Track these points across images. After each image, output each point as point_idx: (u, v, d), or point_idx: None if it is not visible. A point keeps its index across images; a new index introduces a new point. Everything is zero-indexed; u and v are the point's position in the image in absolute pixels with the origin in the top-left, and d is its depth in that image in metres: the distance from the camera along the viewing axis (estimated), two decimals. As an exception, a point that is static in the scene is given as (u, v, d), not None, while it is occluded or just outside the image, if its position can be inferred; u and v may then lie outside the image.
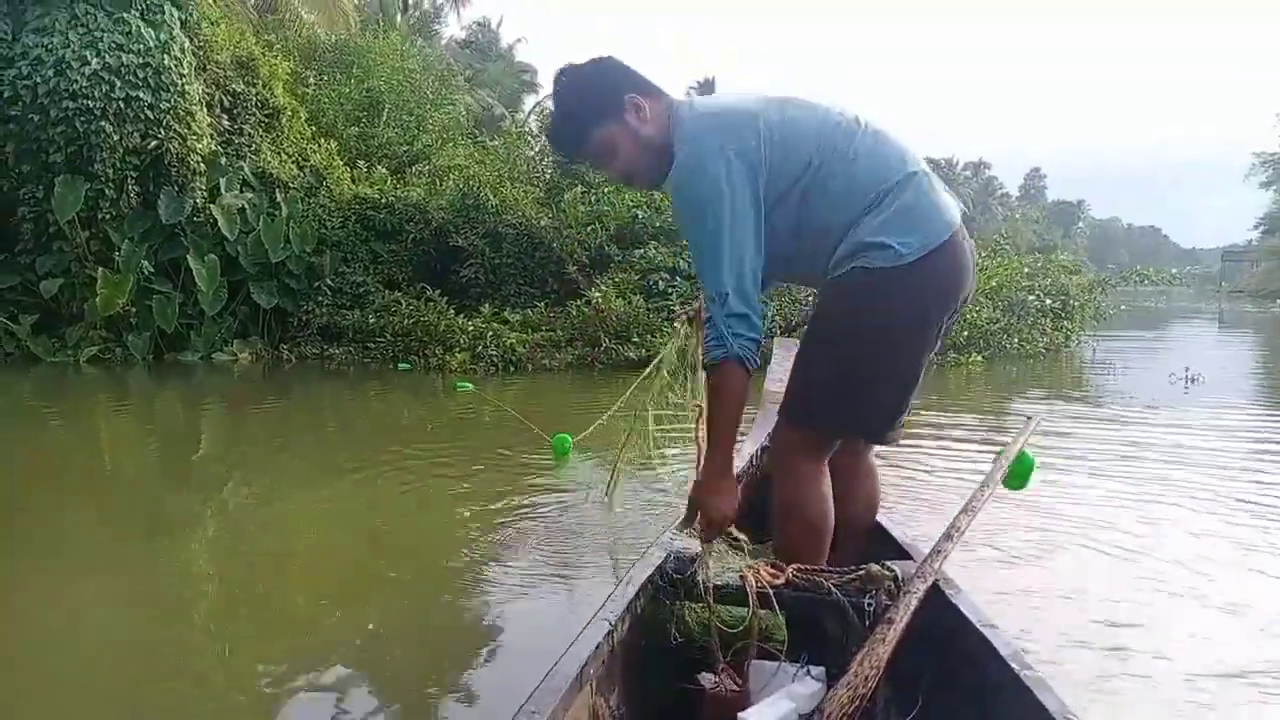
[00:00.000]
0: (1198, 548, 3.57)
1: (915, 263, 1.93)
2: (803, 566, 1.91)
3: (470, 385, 8.39)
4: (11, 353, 10.47)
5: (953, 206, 2.06)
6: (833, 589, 1.85)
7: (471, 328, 10.29)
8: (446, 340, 10.22)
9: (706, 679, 1.83)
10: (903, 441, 2.74)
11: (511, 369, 9.83)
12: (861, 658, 1.53)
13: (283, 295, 11.36)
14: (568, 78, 2.09)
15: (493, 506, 4.14)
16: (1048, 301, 11.71)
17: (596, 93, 2.06)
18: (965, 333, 10.40)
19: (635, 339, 9.80)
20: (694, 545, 2.01)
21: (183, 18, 11.11)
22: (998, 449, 2.22)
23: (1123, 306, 16.10)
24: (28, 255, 10.74)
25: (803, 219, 2.00)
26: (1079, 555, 3.49)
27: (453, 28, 37.17)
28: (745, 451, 2.89)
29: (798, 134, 2.00)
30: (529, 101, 35.41)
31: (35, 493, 4.89)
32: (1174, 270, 17.65)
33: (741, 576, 1.89)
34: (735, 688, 1.83)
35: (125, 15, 10.51)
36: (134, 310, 10.67)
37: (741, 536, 2.04)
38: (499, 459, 5.23)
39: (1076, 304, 12.24)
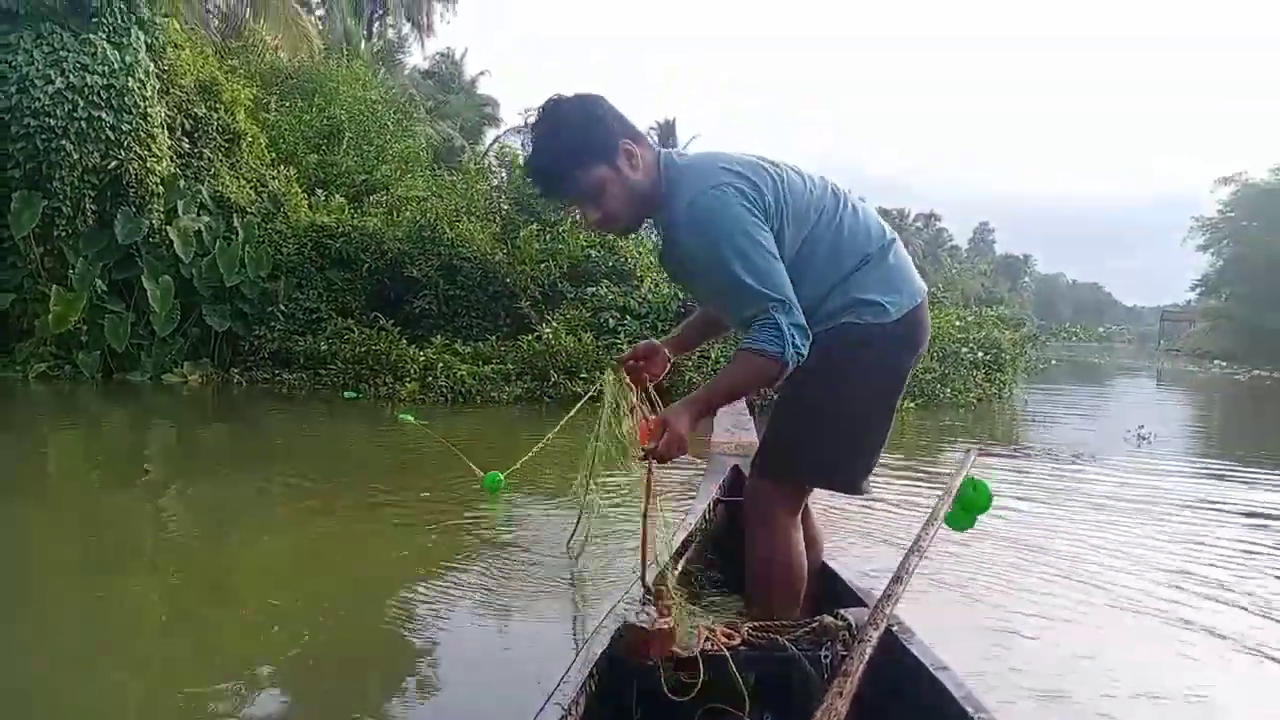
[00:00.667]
0: (1145, 584, 3.83)
1: (899, 320, 2.06)
2: (758, 625, 1.94)
3: (412, 417, 8.56)
4: (-40, 366, 10.45)
5: (891, 260, 2.16)
6: (788, 645, 1.86)
7: (423, 358, 10.49)
8: (397, 369, 10.41)
9: None
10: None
11: (461, 400, 10.03)
12: (821, 713, 1.52)
13: (235, 319, 11.46)
14: (559, 113, 2.03)
15: (429, 544, 4.19)
16: (980, 354, 12.24)
17: (589, 134, 2.01)
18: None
19: (584, 375, 10.06)
20: (650, 613, 1.94)
21: (148, 41, 11.25)
22: (939, 488, 2.31)
23: (1053, 361, 16.73)
24: (-20, 270, 10.75)
25: (794, 276, 2.03)
26: (1037, 589, 3.70)
27: (416, 57, 37.47)
28: (697, 509, 2.94)
29: (798, 194, 2.07)
30: (490, 134, 35.73)
31: None
32: (1104, 328, 18.39)
33: (706, 643, 1.89)
34: None
35: (91, 36, 10.63)
36: (85, 328, 10.71)
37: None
38: (445, 494, 5.27)
39: (1008, 357, 12.78)
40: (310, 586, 3.73)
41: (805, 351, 1.97)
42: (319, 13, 32.91)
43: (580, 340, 10.43)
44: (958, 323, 12.83)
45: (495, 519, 4.85)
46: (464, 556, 4.03)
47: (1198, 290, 64.12)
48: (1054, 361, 16.87)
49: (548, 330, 10.54)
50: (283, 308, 11.53)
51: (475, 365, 10.42)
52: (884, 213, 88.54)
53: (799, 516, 2.16)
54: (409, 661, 2.92)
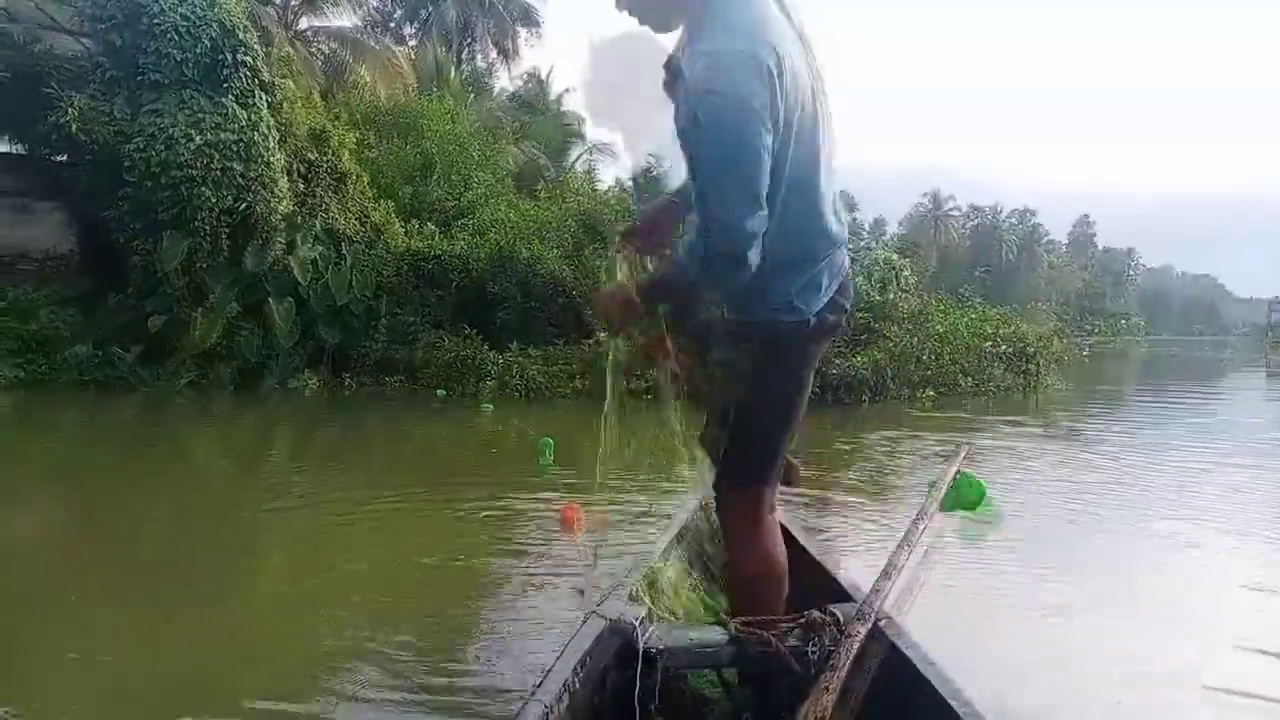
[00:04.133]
0: (1141, 579, 4.08)
1: (814, 323, 1.99)
2: (745, 620, 1.92)
3: (491, 406, 10.29)
4: (121, 378, 12.55)
5: (844, 259, 2.07)
6: (774, 640, 1.84)
7: (501, 361, 12.24)
8: (480, 371, 12.19)
9: None
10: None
11: (532, 395, 11.73)
12: (807, 708, 1.51)
13: (345, 333, 13.41)
14: None
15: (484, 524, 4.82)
16: (1003, 347, 13.41)
17: None
18: (927, 371, 12.23)
19: (637, 374, 11.61)
20: (636, 611, 1.97)
21: (269, 100, 13.32)
22: (929, 482, 2.39)
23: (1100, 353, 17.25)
24: (137, 297, 12.91)
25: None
26: (1023, 585, 3.84)
27: (504, 80, 39.34)
28: (688, 505, 2.85)
29: (810, 133, 1.88)
30: (574, 152, 37.27)
31: (140, 491, 6.13)
32: (1125, 318, 18.99)
33: (694, 638, 1.92)
34: None
35: (223, 100, 12.71)
36: (223, 344, 12.75)
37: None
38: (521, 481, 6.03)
39: (1033, 350, 13.90)
40: (380, 555, 4.31)
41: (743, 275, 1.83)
42: (411, 43, 35.34)
43: (633, 343, 11.99)
44: (985, 323, 14.03)
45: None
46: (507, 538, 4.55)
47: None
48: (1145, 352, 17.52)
49: (604, 335, 12.16)
50: (384, 322, 13.43)
51: (545, 366, 12.10)
52: (975, 209, 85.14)
53: (769, 513, 2.11)
54: (441, 632, 3.24)
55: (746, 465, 2.10)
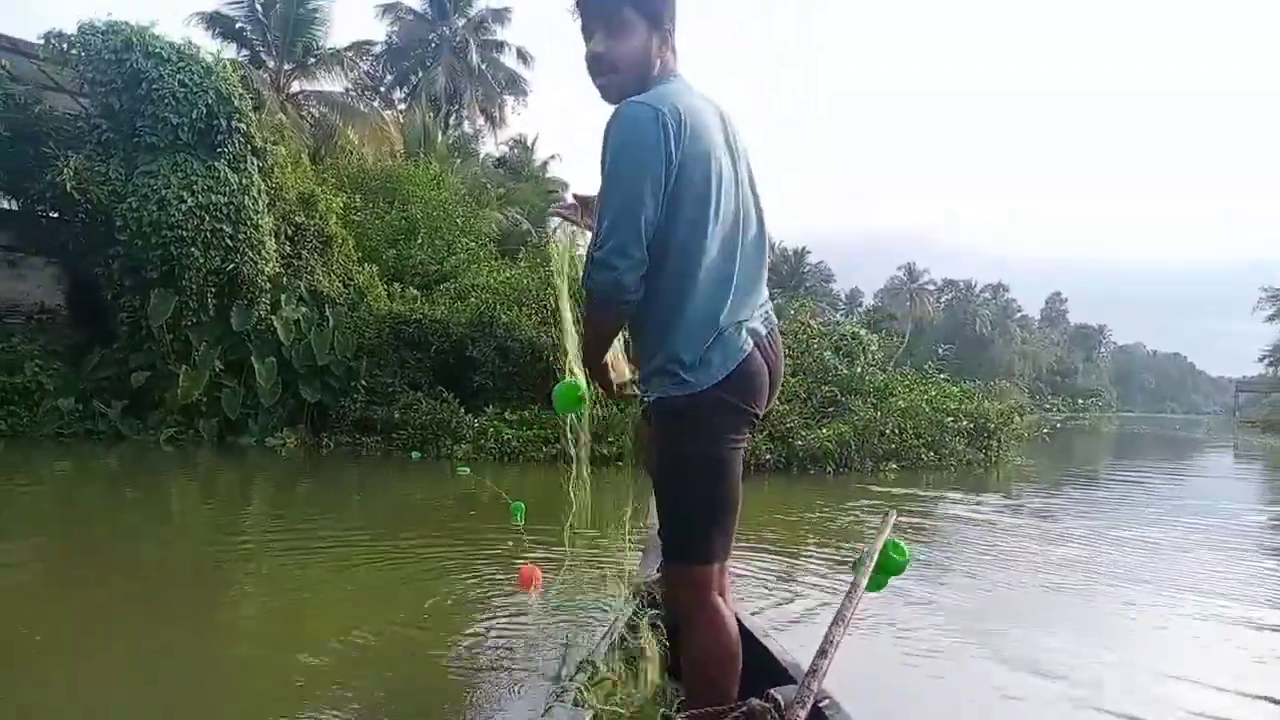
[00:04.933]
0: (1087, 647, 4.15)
1: (708, 399, 2.02)
2: (691, 714, 1.93)
3: (468, 469, 10.58)
4: (104, 431, 12.76)
5: (753, 325, 2.11)
6: None
7: (477, 424, 12.56)
8: (456, 434, 12.49)
9: None
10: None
11: (507, 459, 12.04)
12: None
13: (325, 392, 13.70)
14: None
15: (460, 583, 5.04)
16: (964, 423, 13.90)
17: None
18: (891, 445, 12.68)
19: (611, 439, 11.97)
20: (578, 717, 1.96)
21: (261, 165, 13.79)
22: (857, 555, 2.32)
23: (1051, 430, 17.89)
24: (122, 352, 13.19)
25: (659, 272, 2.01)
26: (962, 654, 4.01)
27: (489, 145, 40.16)
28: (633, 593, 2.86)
29: (721, 187, 2.03)
30: (556, 219, 37.84)
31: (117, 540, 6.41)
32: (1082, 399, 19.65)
33: None
34: None
35: (216, 164, 13.16)
36: (205, 400, 13.02)
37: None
38: (486, 535, 6.55)
39: (993, 426, 14.39)
40: (361, 611, 4.42)
41: (612, 280, 1.96)
42: (401, 108, 36.13)
43: (608, 410, 12.37)
44: (947, 399, 14.55)
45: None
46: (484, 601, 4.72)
47: (1266, 360, 63.37)
48: (1067, 428, 18.16)
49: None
50: (364, 382, 13.73)
51: (521, 430, 12.44)
52: (949, 283, 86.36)
53: (714, 595, 2.09)
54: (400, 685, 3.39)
55: (676, 542, 2.11)
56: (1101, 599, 5.35)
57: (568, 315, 2.66)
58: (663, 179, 1.94)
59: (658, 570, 2.66)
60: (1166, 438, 35.26)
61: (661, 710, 2.16)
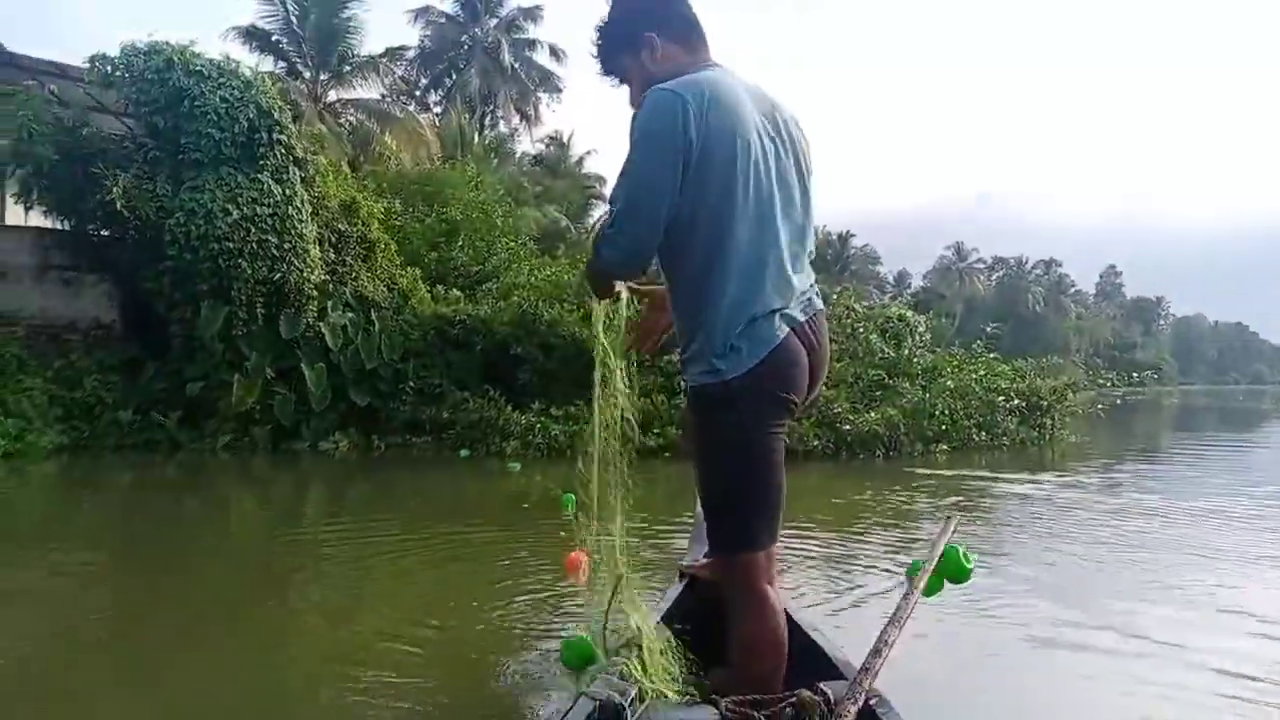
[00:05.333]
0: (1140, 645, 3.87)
1: (739, 386, 2.00)
2: (737, 699, 1.90)
3: (519, 465, 10.66)
4: (161, 441, 13.06)
5: (790, 312, 2.07)
6: None
7: (524, 421, 12.65)
8: (504, 431, 12.60)
9: None
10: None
11: (554, 453, 12.12)
12: None
13: (374, 395, 13.89)
14: (610, 4, 2.20)
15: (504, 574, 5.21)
16: (1015, 402, 13.69)
17: (621, 25, 2.17)
18: (941, 427, 12.54)
19: (656, 430, 11.99)
20: (625, 690, 1.97)
21: (303, 175, 14.00)
22: (913, 561, 2.31)
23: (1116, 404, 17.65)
24: (177, 364, 13.49)
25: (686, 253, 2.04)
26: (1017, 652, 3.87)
27: (525, 143, 40.35)
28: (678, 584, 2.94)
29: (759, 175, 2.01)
30: (595, 213, 38.00)
31: (178, 553, 6.36)
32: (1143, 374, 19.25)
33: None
34: None
35: (259, 176, 13.38)
36: (258, 407, 13.27)
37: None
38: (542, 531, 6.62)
39: (1046, 404, 14.17)
40: (421, 610, 4.53)
41: (614, 258, 2.04)
42: (436, 110, 36.44)
43: (653, 402, 12.40)
44: (998, 378, 14.34)
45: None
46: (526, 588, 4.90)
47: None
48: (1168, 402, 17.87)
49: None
50: (412, 384, 13.89)
51: (566, 425, 12.51)
52: (999, 261, 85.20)
53: (761, 583, 2.08)
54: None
55: (718, 531, 2.13)
56: (1178, 571, 5.26)
57: (618, 385, 2.57)
58: (680, 163, 1.93)
59: (704, 556, 2.71)
60: (1229, 409, 34.46)
61: (710, 692, 2.15)
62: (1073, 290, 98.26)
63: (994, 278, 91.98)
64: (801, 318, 2.08)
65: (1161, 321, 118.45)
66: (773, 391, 2.03)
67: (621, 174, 2.01)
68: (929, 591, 2.21)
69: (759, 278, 2.02)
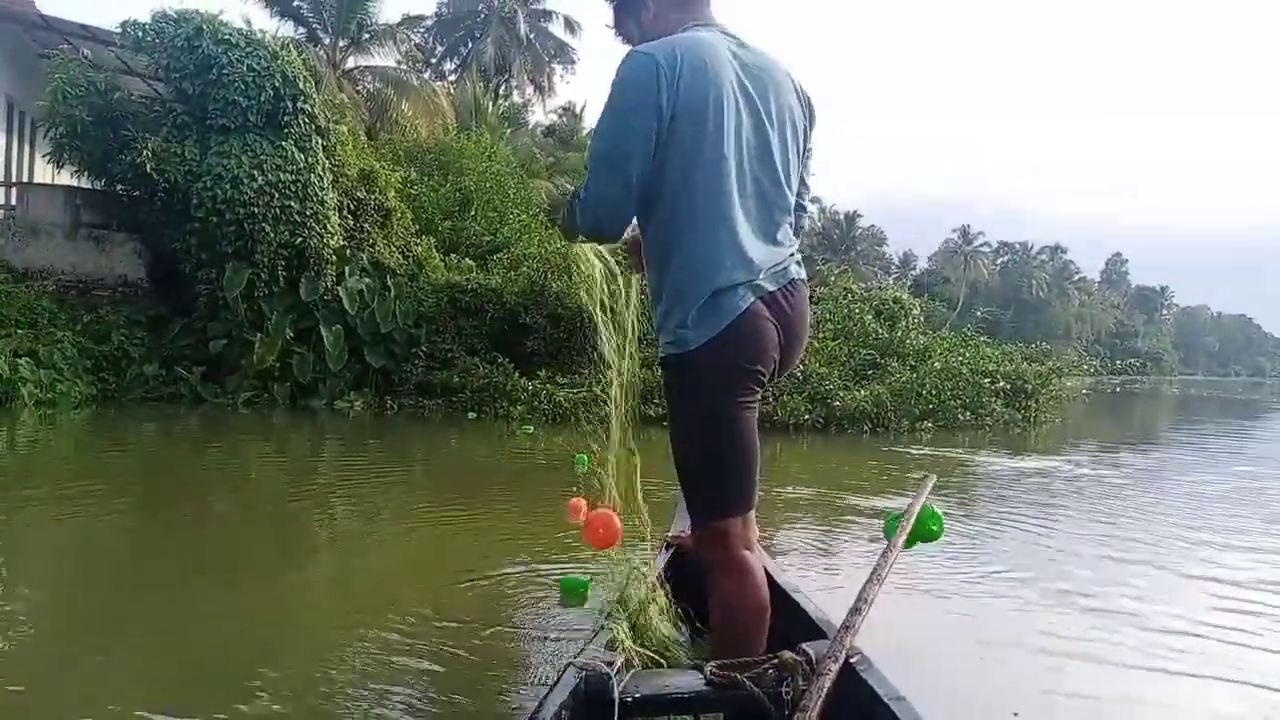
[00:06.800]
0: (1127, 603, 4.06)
1: (704, 357, 1.98)
2: (721, 663, 1.92)
3: (531, 428, 11.30)
4: (184, 395, 13.71)
5: (759, 282, 2.02)
6: (748, 683, 1.84)
7: (530, 387, 13.29)
8: (511, 396, 13.24)
9: None
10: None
11: (559, 419, 12.76)
12: None
13: (388, 358, 14.53)
14: None
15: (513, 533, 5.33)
16: (1001, 384, 14.31)
17: None
18: (928, 406, 13.16)
19: (656, 400, 12.60)
20: (613, 659, 1.98)
21: (324, 144, 14.57)
22: (890, 515, 2.35)
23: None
24: (201, 321, 14.13)
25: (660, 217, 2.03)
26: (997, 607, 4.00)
27: (538, 114, 40.69)
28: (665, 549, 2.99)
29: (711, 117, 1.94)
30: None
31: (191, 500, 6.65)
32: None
33: (669, 686, 1.93)
34: None
35: (283, 143, 13.96)
36: (278, 366, 13.91)
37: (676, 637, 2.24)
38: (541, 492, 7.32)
39: (1032, 387, 14.78)
40: (425, 566, 4.60)
41: (582, 224, 2.03)
42: (451, 79, 36.82)
43: (653, 372, 12.98)
44: (986, 361, 14.97)
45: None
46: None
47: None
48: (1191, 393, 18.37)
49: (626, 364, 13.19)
50: (424, 349, 14.53)
51: (572, 392, 13.15)
52: (1005, 246, 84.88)
53: (740, 549, 2.08)
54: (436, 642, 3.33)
55: (694, 499, 2.13)
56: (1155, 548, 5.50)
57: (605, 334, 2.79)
58: (653, 129, 1.91)
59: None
60: (1226, 400, 34.97)
61: (698, 657, 2.22)
62: (1077, 277, 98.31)
63: (999, 262, 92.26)
64: (771, 287, 2.03)
65: (1164, 311, 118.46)
66: (737, 363, 2.00)
67: (593, 139, 2.03)
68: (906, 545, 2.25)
69: (722, 248, 1.97)
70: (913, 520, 2.27)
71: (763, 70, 2.08)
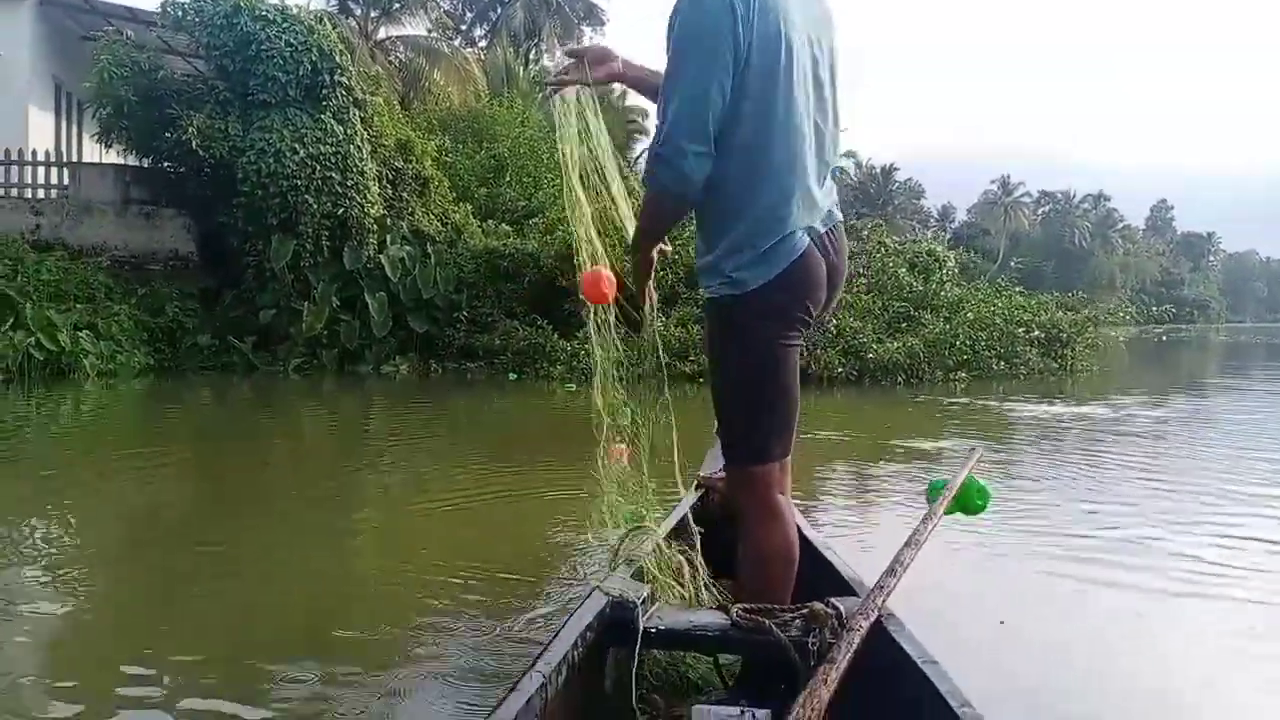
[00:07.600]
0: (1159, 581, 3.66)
1: (757, 300, 1.96)
2: (747, 607, 1.90)
3: (573, 386, 11.66)
4: (237, 363, 14.21)
5: (812, 223, 2.01)
6: (775, 629, 1.82)
7: (569, 347, 13.62)
8: (550, 357, 13.60)
9: None
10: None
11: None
12: (804, 699, 1.49)
13: (431, 323, 14.94)
14: None
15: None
16: (1035, 333, 14.40)
17: None
18: (962, 356, 13.33)
19: (691, 358, 12.86)
20: (639, 590, 1.95)
21: (362, 115, 14.90)
22: (932, 482, 2.29)
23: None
24: (250, 292, 14.60)
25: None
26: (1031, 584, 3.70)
27: (571, 77, 40.41)
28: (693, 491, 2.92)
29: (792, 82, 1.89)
30: (638, 147, 38.30)
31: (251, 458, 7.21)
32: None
33: (693, 622, 1.91)
34: None
35: (322, 116, 14.30)
36: (325, 333, 14.37)
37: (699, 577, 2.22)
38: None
39: (1067, 336, 14.85)
40: (473, 526, 4.62)
41: (676, 175, 1.88)
42: (481, 44, 36.90)
43: (689, 330, 13.28)
44: (1021, 310, 15.06)
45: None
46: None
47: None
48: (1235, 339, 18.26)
49: (659, 324, 13.46)
50: (465, 313, 14.92)
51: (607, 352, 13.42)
52: (1046, 195, 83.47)
53: (775, 495, 2.07)
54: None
55: (732, 443, 2.10)
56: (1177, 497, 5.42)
57: (582, 196, 2.65)
58: (730, 66, 1.82)
59: (721, 469, 2.65)
60: (1274, 346, 34.44)
61: (723, 600, 2.21)
62: (1121, 225, 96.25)
63: (1040, 212, 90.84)
64: (822, 229, 2.03)
65: (1211, 258, 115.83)
66: (790, 303, 2.00)
67: (665, 82, 1.90)
68: (946, 511, 2.23)
69: (789, 190, 1.95)
70: (955, 491, 2.26)
71: (814, 2, 2.06)
